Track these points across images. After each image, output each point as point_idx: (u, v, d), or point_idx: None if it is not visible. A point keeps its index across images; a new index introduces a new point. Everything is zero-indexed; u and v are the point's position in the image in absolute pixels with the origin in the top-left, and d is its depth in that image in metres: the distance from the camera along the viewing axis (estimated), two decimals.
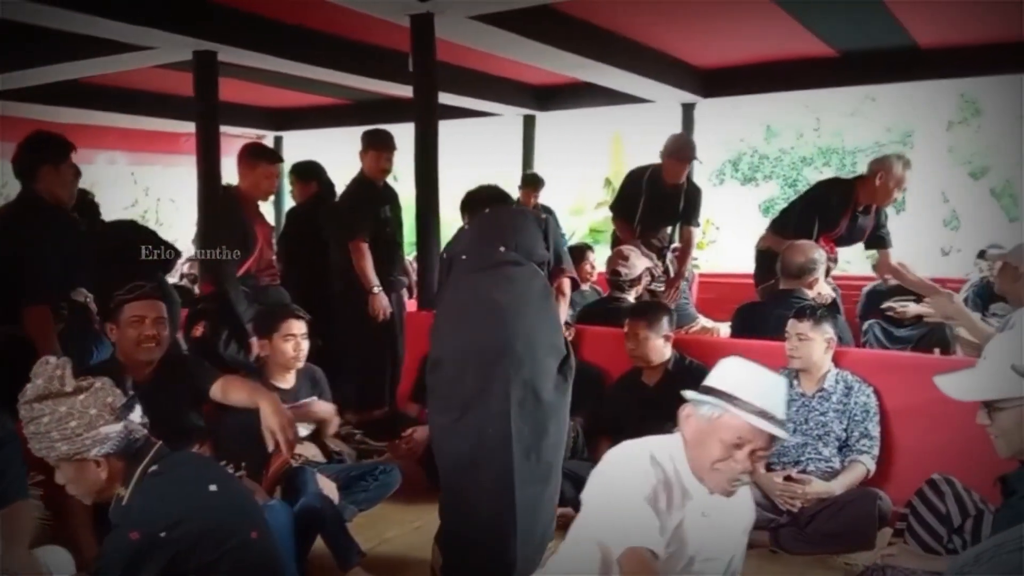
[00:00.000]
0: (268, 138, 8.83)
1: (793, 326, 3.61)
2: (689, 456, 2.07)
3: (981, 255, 5.93)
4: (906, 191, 5.05)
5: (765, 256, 4.80)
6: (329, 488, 3.45)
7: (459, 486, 2.94)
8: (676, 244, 5.72)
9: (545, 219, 3.33)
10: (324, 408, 3.58)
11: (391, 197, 5.00)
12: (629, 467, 2.03)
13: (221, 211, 4.44)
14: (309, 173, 5.42)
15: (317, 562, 3.08)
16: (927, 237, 9.06)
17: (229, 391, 3.03)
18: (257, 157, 4.30)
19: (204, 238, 4.49)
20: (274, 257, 4.43)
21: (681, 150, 5.31)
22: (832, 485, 3.39)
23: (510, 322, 2.91)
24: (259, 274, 4.24)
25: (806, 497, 3.37)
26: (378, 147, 4.86)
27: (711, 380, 2.08)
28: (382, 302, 4.75)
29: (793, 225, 4.82)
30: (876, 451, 3.49)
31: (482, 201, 3.46)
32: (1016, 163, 12.84)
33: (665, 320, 3.86)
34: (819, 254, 4.34)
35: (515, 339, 2.88)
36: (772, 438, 2.02)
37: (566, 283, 3.34)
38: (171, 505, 1.93)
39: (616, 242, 5.50)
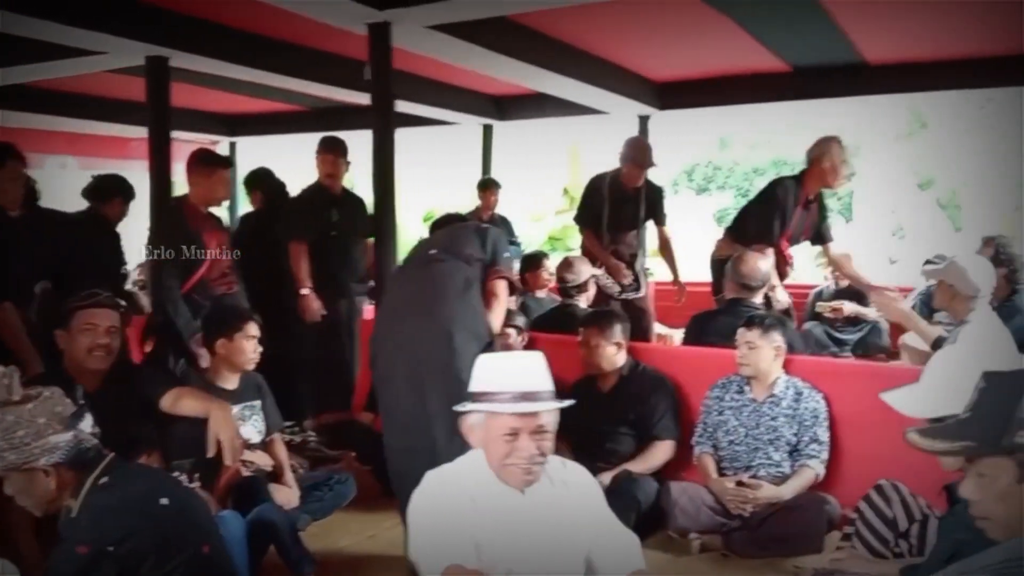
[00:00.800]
0: (222, 144, 8.72)
1: (742, 335, 3.69)
2: (489, 463, 2.07)
3: (927, 264, 6.12)
4: (853, 192, 5.18)
5: (723, 264, 4.75)
6: (285, 497, 3.43)
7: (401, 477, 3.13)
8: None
9: (486, 228, 3.54)
10: (263, 459, 3.55)
11: (345, 202, 5.00)
12: (435, 501, 2.02)
13: (165, 226, 4.41)
14: (251, 182, 5.60)
15: (271, 571, 3.06)
16: (876, 247, 9.29)
17: (180, 401, 3.00)
18: (206, 163, 4.28)
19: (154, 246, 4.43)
20: (229, 265, 4.39)
21: (639, 155, 5.39)
22: (782, 489, 3.46)
23: (431, 308, 3.17)
24: (213, 283, 4.19)
25: (757, 501, 3.44)
26: (326, 152, 4.93)
27: (471, 386, 2.09)
28: (311, 304, 4.73)
29: (754, 229, 4.83)
30: (825, 456, 3.56)
31: (441, 224, 3.96)
32: (961, 175, 13.23)
33: (618, 328, 3.91)
34: (767, 264, 4.44)
35: (435, 322, 3.14)
36: (550, 413, 2.03)
37: (499, 284, 3.41)
38: (120, 519, 1.90)
39: (587, 251, 5.55)
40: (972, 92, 10.23)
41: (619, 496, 3.46)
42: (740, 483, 3.52)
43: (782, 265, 4.94)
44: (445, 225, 3.85)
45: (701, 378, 3.88)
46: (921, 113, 14.51)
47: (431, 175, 12.10)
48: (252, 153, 8.80)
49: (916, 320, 3.94)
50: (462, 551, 1.91)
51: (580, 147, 11.93)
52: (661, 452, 3.80)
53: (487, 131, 7.80)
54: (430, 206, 12.08)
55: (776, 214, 4.79)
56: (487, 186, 7.25)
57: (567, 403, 2.07)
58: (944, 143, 13.90)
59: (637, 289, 5.52)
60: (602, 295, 5.37)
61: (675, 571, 3.30)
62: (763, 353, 3.63)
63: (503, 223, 6.96)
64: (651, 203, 5.53)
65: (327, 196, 4.93)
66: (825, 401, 3.63)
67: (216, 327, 3.59)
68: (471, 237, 3.45)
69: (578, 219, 5.72)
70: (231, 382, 3.57)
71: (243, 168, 7.64)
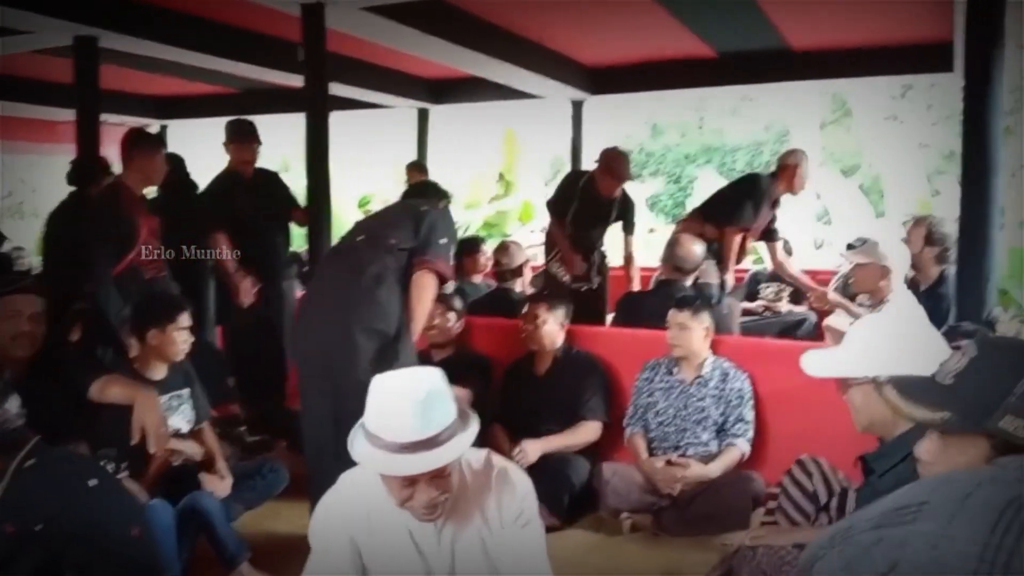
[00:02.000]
0: (153, 126, 8.50)
1: (674, 316, 3.76)
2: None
3: (849, 248, 6.34)
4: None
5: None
6: (216, 486, 3.38)
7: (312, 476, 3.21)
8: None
9: (425, 211, 3.40)
10: (192, 448, 3.50)
11: (259, 185, 4.90)
12: (328, 526, 1.91)
13: (100, 207, 4.27)
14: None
15: (204, 561, 3.03)
16: (801, 231, 9.53)
17: (107, 389, 2.94)
18: (144, 144, 4.17)
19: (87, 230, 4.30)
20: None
21: (616, 169, 5.35)
22: (709, 468, 3.55)
23: (337, 301, 3.17)
24: (143, 267, 4.10)
25: (685, 480, 3.52)
26: (237, 140, 4.83)
27: (364, 414, 1.80)
28: (242, 283, 4.68)
29: (734, 214, 5.08)
30: (751, 434, 3.66)
31: (413, 192, 3.86)
32: (883, 161, 13.65)
33: (563, 309, 3.96)
34: (701, 249, 4.55)
35: (338, 316, 3.13)
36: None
37: (422, 276, 3.26)
38: (48, 499, 1.87)
39: (550, 235, 5.60)
40: (893, 79, 10.58)
41: (552, 477, 3.53)
42: (669, 462, 3.60)
43: (741, 254, 5.28)
44: (417, 195, 3.71)
45: (633, 359, 3.95)
46: (845, 99, 14.90)
47: (367, 159, 11.97)
48: (183, 137, 8.60)
49: (853, 309, 4.22)
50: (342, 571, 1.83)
51: (516, 132, 11.91)
52: (585, 432, 3.83)
53: (422, 115, 7.76)
54: (365, 191, 11.97)
55: (752, 204, 5.08)
56: (412, 167, 7.19)
57: (464, 447, 1.77)
58: (867, 130, 14.31)
59: (589, 282, 5.51)
60: (555, 283, 5.40)
61: (606, 550, 3.37)
62: (694, 334, 3.71)
63: (444, 200, 6.86)
64: (621, 213, 5.55)
65: (239, 181, 4.84)
66: (750, 381, 3.74)
67: (148, 317, 3.50)
68: (403, 221, 3.36)
69: (549, 204, 5.72)
70: (159, 372, 3.49)
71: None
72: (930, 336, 2.02)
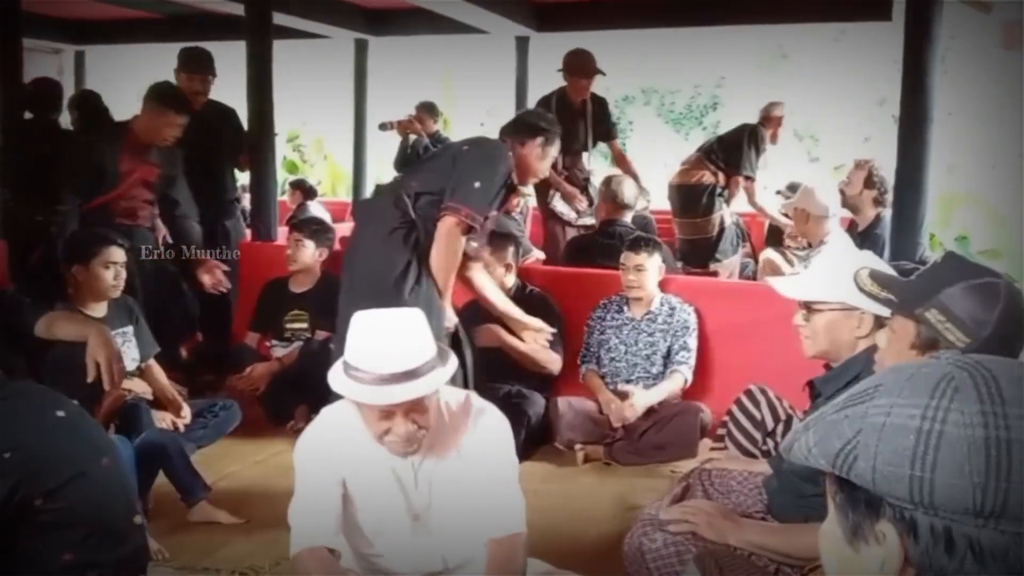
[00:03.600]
0: (68, 52, 8.06)
1: (630, 258, 3.79)
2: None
3: (780, 192, 6.53)
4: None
5: (693, 190, 5.26)
6: (170, 421, 3.35)
7: None
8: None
9: (465, 150, 3.13)
10: (140, 386, 3.44)
11: (207, 121, 4.67)
12: (314, 440, 1.93)
13: (80, 141, 4.14)
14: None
15: (162, 498, 3.01)
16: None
17: (54, 325, 2.85)
18: (159, 101, 4.05)
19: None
20: (145, 200, 4.16)
21: (583, 63, 5.18)
22: (651, 393, 3.64)
23: (351, 263, 3.11)
24: (118, 212, 3.99)
25: (633, 410, 3.59)
26: (187, 70, 4.64)
27: (345, 349, 1.81)
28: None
29: (745, 161, 5.31)
30: (692, 362, 3.76)
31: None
32: (817, 107, 13.95)
33: (510, 250, 3.96)
34: (634, 183, 4.71)
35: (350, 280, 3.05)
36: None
37: (442, 224, 2.95)
38: (17, 427, 1.82)
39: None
40: (828, 25, 10.74)
41: (509, 412, 3.56)
42: (615, 392, 3.68)
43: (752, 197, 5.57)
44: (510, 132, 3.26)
45: (586, 298, 4.01)
46: (781, 44, 15.07)
47: (299, 93, 11.62)
48: (102, 63, 8.18)
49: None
50: (327, 504, 1.84)
51: (453, 70, 11.70)
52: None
53: (360, 46, 7.53)
54: (294, 125, 11.67)
55: (756, 154, 5.32)
56: (423, 111, 6.66)
57: (441, 380, 1.79)
58: (802, 74, 14.56)
59: (592, 215, 5.30)
60: (560, 221, 5.28)
61: (562, 480, 3.46)
62: (650, 275, 3.79)
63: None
64: (598, 117, 5.33)
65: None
66: (696, 314, 3.84)
67: (71, 253, 3.41)
68: (443, 162, 3.09)
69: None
70: (98, 309, 3.41)
71: (90, 80, 7.14)
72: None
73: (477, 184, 2.95)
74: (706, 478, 2.35)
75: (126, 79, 5.34)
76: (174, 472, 2.96)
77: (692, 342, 3.78)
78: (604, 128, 5.42)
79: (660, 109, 15.99)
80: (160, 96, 4.08)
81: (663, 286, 3.91)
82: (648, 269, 3.77)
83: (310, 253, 4.16)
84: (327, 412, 1.98)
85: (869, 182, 4.21)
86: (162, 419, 3.36)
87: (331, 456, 1.89)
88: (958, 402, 0.70)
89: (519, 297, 3.95)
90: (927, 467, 0.69)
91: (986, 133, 10.37)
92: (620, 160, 5.58)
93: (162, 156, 4.14)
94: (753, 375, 3.29)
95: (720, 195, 5.26)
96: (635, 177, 5.08)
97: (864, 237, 4.13)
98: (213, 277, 4.22)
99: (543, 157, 3.22)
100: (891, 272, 1.84)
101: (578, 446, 3.63)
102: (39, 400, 1.93)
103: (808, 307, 2.04)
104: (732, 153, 5.33)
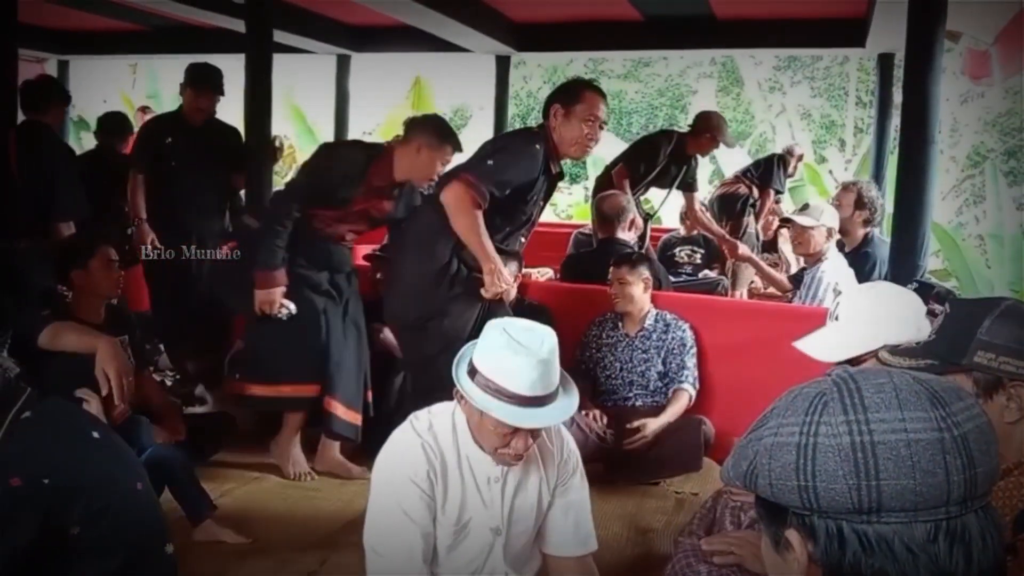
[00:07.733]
0: (51, 61, 7.89)
1: (613, 272, 3.88)
2: (471, 432, 1.93)
3: (799, 214, 6.73)
4: None
5: (735, 201, 6.04)
6: (167, 436, 3.29)
7: None
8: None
9: (501, 135, 3.27)
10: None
11: (206, 138, 4.66)
12: (400, 456, 1.94)
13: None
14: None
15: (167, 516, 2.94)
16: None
17: (60, 337, 2.78)
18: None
19: None
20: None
21: (722, 132, 5.38)
22: (662, 418, 3.64)
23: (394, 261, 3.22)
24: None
25: (645, 438, 3.58)
26: (194, 86, 4.59)
27: (476, 352, 1.87)
28: (144, 235, 4.53)
29: (770, 179, 6.22)
30: (693, 378, 3.79)
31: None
32: (771, 129, 14.37)
33: (512, 264, 3.97)
34: (625, 197, 4.75)
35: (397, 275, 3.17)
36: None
37: (448, 189, 2.93)
38: (54, 451, 1.77)
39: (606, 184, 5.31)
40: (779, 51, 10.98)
41: None
42: (628, 430, 3.63)
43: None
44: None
45: (582, 314, 4.05)
46: (735, 68, 15.38)
47: (276, 107, 11.49)
48: (87, 74, 8.01)
49: (760, 264, 4.86)
50: (417, 535, 1.84)
51: (426, 81, 11.63)
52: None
53: (342, 62, 7.51)
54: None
55: (784, 174, 6.52)
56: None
57: (575, 404, 1.90)
58: (754, 99, 14.96)
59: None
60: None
61: None
62: (634, 288, 3.84)
63: None
64: (692, 171, 5.53)
65: (181, 126, 4.64)
66: (692, 331, 3.89)
67: (66, 259, 3.36)
68: (483, 151, 3.12)
69: (624, 156, 5.51)
70: (95, 316, 3.35)
71: (73, 90, 6.99)
72: (910, 298, 2.15)
73: (490, 162, 3.00)
74: (736, 508, 2.35)
75: (109, 91, 5.24)
76: (180, 490, 2.90)
77: (691, 360, 3.82)
78: (688, 182, 5.59)
79: (617, 129, 16.16)
80: (441, 132, 3.48)
81: (655, 301, 3.95)
82: (631, 283, 3.82)
83: None
84: (417, 420, 1.97)
85: (860, 203, 4.27)
86: (159, 434, 3.29)
87: (421, 478, 1.87)
88: (827, 415, 0.80)
89: (516, 309, 3.98)
90: (809, 476, 0.79)
91: None
92: (691, 211, 5.77)
93: (403, 196, 3.61)
94: (752, 393, 3.35)
95: (752, 206, 6.00)
96: (710, 232, 5.63)
97: (854, 256, 4.21)
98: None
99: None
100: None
101: None
102: (73, 421, 1.88)
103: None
104: (766, 172, 6.24)
